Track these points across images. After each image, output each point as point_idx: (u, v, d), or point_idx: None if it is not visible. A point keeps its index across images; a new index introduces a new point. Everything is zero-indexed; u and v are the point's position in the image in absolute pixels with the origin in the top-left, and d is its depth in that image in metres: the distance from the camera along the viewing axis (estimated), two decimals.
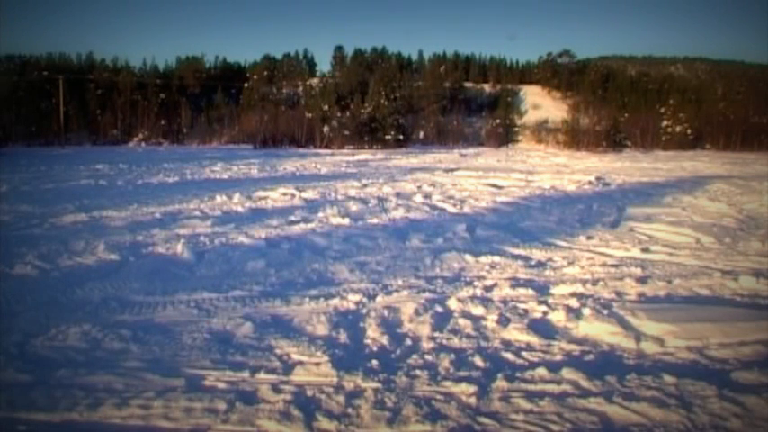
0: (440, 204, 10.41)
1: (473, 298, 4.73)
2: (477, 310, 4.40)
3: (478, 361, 3.45)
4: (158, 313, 4.30)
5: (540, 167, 22.24)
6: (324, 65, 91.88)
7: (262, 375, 3.23)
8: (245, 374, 3.23)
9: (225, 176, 16.36)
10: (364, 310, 4.40)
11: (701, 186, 14.76)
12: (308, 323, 4.09)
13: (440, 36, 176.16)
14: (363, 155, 31.47)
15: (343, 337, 3.84)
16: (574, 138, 47.27)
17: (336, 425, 2.71)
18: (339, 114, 44.34)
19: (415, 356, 3.54)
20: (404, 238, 7.19)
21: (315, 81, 57.23)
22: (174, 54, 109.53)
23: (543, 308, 4.45)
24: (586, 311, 4.30)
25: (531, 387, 3.10)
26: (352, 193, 12.07)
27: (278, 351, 3.57)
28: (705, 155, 37.85)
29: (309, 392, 3.02)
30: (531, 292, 4.92)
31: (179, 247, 6.24)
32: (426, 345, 3.75)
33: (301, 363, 3.39)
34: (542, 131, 53.87)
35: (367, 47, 65.36)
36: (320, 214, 8.92)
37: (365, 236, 7.26)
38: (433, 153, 34.41)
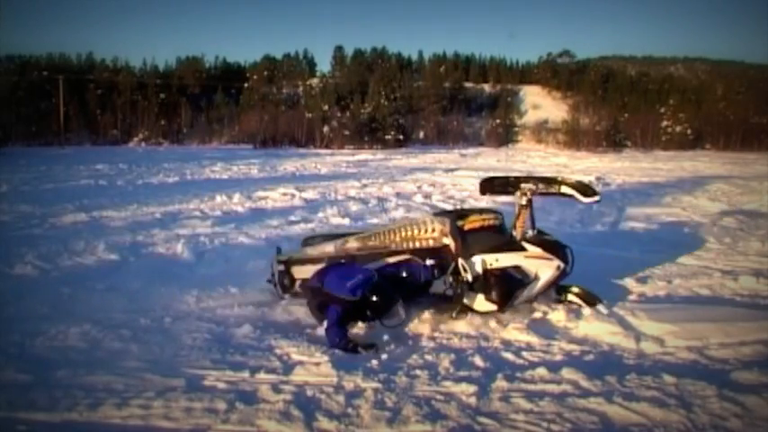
0: (440, 204, 10.40)
1: None
2: None
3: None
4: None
5: (540, 167, 22.22)
6: (324, 65, 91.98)
7: (262, 375, 3.22)
8: (245, 374, 3.23)
9: (225, 176, 16.36)
10: None
11: (700, 186, 14.75)
12: (309, 323, 4.09)
13: (440, 36, 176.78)
14: (363, 155, 31.45)
15: None
16: (574, 138, 47.28)
17: (336, 425, 2.70)
18: (339, 114, 44.34)
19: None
20: None
21: (315, 81, 57.23)
22: (174, 54, 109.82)
23: (543, 308, 4.45)
24: (586, 311, 4.30)
25: (531, 387, 3.10)
26: (352, 193, 12.07)
27: (278, 351, 3.57)
28: (705, 155, 37.83)
29: (309, 392, 3.02)
30: None
31: (179, 247, 6.24)
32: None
33: (301, 363, 3.39)
34: (542, 131, 53.89)
35: (367, 47, 65.45)
36: (320, 214, 8.92)
37: None
38: (433, 153, 34.39)
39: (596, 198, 4.46)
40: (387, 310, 3.79)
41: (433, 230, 4.36)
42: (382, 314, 3.79)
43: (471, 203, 10.57)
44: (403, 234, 4.41)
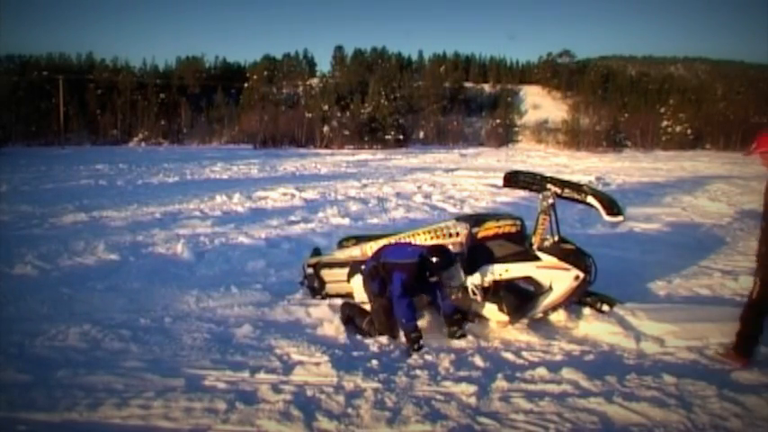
0: (440, 204, 10.40)
1: None
2: None
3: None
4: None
5: (540, 167, 22.21)
6: (324, 65, 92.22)
7: (262, 375, 3.22)
8: (245, 374, 3.23)
9: (225, 176, 16.36)
10: None
11: (701, 186, 14.76)
12: (309, 323, 4.09)
13: (440, 36, 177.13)
14: (363, 155, 31.46)
15: (342, 337, 3.84)
16: (574, 138, 47.34)
17: (336, 425, 2.70)
18: (339, 114, 44.39)
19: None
20: None
21: (315, 81, 57.30)
22: (174, 54, 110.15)
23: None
24: (586, 311, 4.30)
25: (531, 387, 3.10)
26: (352, 193, 12.07)
27: (278, 351, 3.57)
28: (705, 155, 37.83)
29: (309, 392, 3.02)
30: None
31: (179, 247, 6.25)
32: None
33: (301, 363, 3.39)
34: (542, 131, 53.95)
35: (367, 47, 65.64)
36: (320, 214, 8.92)
37: None
38: (432, 153, 34.40)
39: (621, 219, 4.29)
40: (446, 268, 3.78)
41: (458, 234, 4.25)
42: (442, 272, 3.76)
43: (471, 203, 10.57)
44: (429, 238, 4.31)
